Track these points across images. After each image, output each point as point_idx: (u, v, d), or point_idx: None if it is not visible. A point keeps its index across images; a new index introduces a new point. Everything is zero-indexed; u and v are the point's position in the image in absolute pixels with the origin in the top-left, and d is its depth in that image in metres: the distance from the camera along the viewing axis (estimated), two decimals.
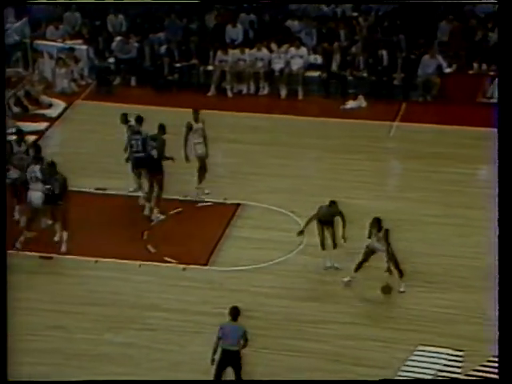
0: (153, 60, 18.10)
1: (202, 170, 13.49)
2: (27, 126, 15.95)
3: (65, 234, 12.12)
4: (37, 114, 16.54)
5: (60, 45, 18.21)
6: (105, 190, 13.87)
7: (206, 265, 12.10)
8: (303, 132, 16.12)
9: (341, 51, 17.75)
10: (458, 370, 10.14)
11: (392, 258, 11.37)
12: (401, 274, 11.43)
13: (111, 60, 18.16)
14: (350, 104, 17.19)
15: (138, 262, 12.04)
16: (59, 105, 16.95)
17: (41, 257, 12.04)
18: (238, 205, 13.54)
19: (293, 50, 17.87)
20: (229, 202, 13.59)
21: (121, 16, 18.78)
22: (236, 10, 18.75)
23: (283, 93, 17.66)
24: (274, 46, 18.03)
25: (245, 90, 17.76)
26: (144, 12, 18.86)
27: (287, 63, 17.80)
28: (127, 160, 13.28)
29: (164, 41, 18.27)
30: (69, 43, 18.34)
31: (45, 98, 17.07)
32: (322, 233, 11.89)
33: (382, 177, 14.75)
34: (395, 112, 16.68)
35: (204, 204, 13.39)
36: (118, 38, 18.24)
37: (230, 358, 9.52)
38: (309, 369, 10.16)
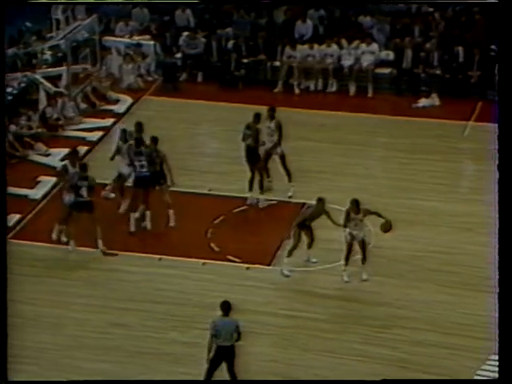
0: (220, 55, 18.19)
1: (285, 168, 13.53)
2: (94, 122, 16.34)
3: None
4: (104, 109, 16.83)
5: (128, 41, 18.49)
6: (169, 186, 14.00)
7: (269, 265, 12.09)
8: (372, 130, 15.94)
9: (413, 47, 17.49)
10: None
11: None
12: (364, 260, 11.35)
13: (178, 56, 18.34)
14: (423, 102, 16.91)
15: (202, 261, 12.11)
16: (126, 100, 17.19)
17: (105, 253, 12.23)
18: (304, 204, 13.48)
19: (363, 46, 17.69)
20: (294, 200, 13.54)
21: (188, 11, 18.95)
22: (306, 6, 18.69)
23: (352, 90, 17.50)
24: (344, 42, 17.91)
25: (312, 87, 17.68)
26: (212, 7, 18.98)
27: (357, 59, 17.63)
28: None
29: (231, 36, 18.35)
30: (136, 39, 18.61)
31: (112, 94, 17.35)
32: (299, 237, 11.70)
33: (454, 178, 14.46)
34: (470, 111, 16.32)
35: (268, 203, 13.37)
36: (186, 34, 18.41)
37: (224, 354, 9.48)
38: (375, 374, 10.04)
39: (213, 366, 9.57)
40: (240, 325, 9.51)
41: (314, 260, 11.93)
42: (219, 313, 11.00)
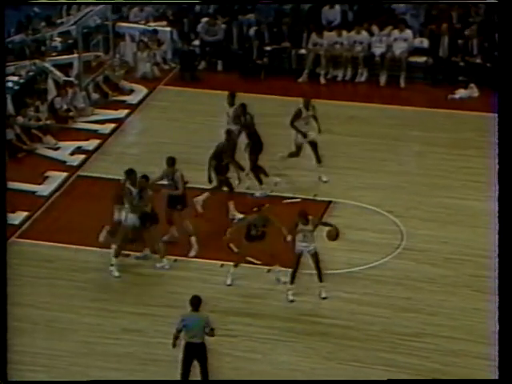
0: (241, 43, 18.26)
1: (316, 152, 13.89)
2: (107, 113, 16.47)
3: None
4: (117, 100, 16.96)
5: (143, 27, 18.61)
6: (186, 182, 14.08)
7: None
8: (405, 123, 15.92)
9: (450, 34, 17.42)
10: None
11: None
12: (320, 275, 11.25)
13: (196, 43, 18.44)
14: (460, 93, 16.85)
15: (220, 262, 12.19)
16: (140, 91, 17.31)
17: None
18: (330, 202, 13.51)
19: (396, 32, 17.67)
20: (319, 198, 13.58)
21: None
22: None
23: (383, 80, 17.49)
24: (375, 29, 17.89)
25: (340, 76, 17.70)
26: None
27: (389, 47, 17.62)
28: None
29: (254, 22, 18.41)
30: (152, 25, 18.73)
31: (125, 84, 17.47)
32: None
33: (494, 176, 14.37)
34: None
35: (292, 200, 13.42)
36: (205, 20, 18.49)
37: (194, 351, 9.57)
38: None
39: (185, 365, 9.67)
40: (210, 320, 9.63)
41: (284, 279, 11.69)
42: (237, 319, 11.14)
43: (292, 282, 11.37)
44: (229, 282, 11.76)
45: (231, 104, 13.95)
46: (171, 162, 12.28)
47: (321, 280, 11.34)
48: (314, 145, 13.89)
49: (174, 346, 9.64)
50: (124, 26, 18.51)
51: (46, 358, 10.52)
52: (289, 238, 11.31)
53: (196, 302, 9.69)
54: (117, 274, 11.89)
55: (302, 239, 11.19)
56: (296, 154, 13.95)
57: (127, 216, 11.87)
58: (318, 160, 13.94)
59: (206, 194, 13.09)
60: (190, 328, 9.57)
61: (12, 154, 14.84)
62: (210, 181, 12.99)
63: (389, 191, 13.62)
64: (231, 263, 11.90)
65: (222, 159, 12.94)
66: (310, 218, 11.23)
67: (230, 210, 13.02)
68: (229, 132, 13.34)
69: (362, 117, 16.10)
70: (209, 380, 9.78)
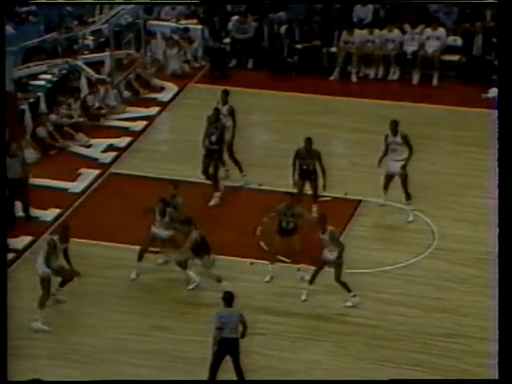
0: (271, 41, 18.28)
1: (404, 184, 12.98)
2: (138, 111, 16.58)
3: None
4: (148, 98, 17.07)
5: (174, 25, 18.72)
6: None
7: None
8: (437, 122, 15.84)
9: (484, 32, 17.28)
10: None
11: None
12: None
13: (227, 41, 18.50)
14: (493, 92, 16.71)
15: (250, 260, 12.22)
16: (171, 88, 17.41)
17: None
18: (360, 201, 13.48)
19: (429, 30, 17.60)
20: (350, 197, 13.55)
21: None
22: None
23: (415, 78, 17.42)
24: (407, 27, 17.82)
25: (372, 75, 17.65)
26: None
27: (422, 45, 17.54)
28: None
29: (284, 20, 18.42)
30: (183, 23, 18.82)
31: (156, 82, 17.58)
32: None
33: None
34: None
35: (323, 199, 13.41)
36: (235, 18, 18.54)
37: (228, 347, 9.63)
38: None
39: (217, 359, 9.73)
40: (243, 315, 9.70)
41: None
42: (268, 317, 11.15)
43: (311, 282, 11.35)
44: (267, 278, 11.77)
45: (224, 102, 13.93)
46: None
47: (349, 290, 11.27)
48: (402, 178, 12.90)
49: (215, 344, 9.67)
50: (155, 24, 18.63)
51: (78, 354, 10.61)
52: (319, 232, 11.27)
53: (229, 298, 9.78)
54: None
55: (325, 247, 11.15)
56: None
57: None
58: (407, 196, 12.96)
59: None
60: (227, 324, 9.65)
61: (44, 152, 15.02)
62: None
63: (419, 190, 13.54)
64: (261, 261, 11.92)
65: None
66: (328, 228, 11.10)
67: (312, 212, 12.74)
68: (223, 127, 13.42)
69: (394, 115, 15.96)
70: (210, 380, 9.81)
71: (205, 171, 13.45)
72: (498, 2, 8.37)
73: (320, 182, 12.73)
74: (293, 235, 11.68)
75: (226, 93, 14.11)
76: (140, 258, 11.93)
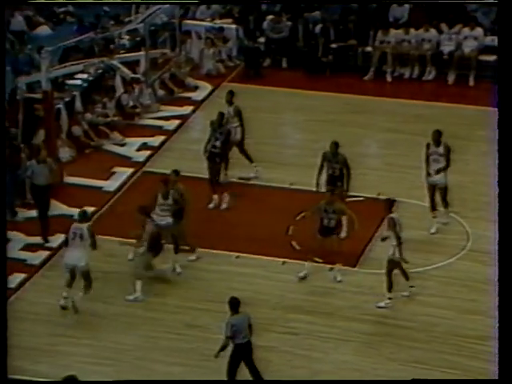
0: (306, 40, 18.27)
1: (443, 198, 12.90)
2: (172, 110, 16.68)
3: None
4: (182, 97, 17.15)
5: (209, 24, 18.77)
6: (248, 179, 14.18)
7: (355, 266, 12.12)
8: (473, 123, 15.70)
9: None
10: None
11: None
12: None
13: (261, 40, 18.51)
14: None
15: (282, 260, 12.24)
16: (205, 87, 17.47)
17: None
18: (394, 201, 13.41)
19: (466, 30, 17.44)
20: (383, 197, 13.49)
21: None
22: None
23: (451, 78, 17.28)
24: (444, 27, 17.69)
25: (407, 75, 17.55)
26: None
27: (458, 45, 17.40)
28: None
29: (319, 20, 18.38)
30: (218, 23, 18.88)
31: (191, 81, 17.66)
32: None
33: None
34: None
35: (355, 199, 13.38)
36: (270, 17, 18.56)
37: (244, 351, 9.63)
38: None
39: (233, 365, 9.75)
40: (251, 318, 9.70)
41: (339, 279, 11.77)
42: (299, 316, 11.15)
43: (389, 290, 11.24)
44: (302, 274, 11.77)
45: (230, 103, 13.92)
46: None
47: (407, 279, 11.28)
48: (442, 189, 12.74)
49: (223, 349, 9.72)
50: (190, 24, 18.71)
51: (112, 351, 10.72)
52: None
53: (236, 303, 9.79)
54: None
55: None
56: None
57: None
58: (445, 204, 12.79)
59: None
60: (239, 331, 9.67)
61: (80, 150, 15.17)
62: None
63: (453, 191, 13.44)
64: (293, 261, 11.93)
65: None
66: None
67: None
68: (229, 132, 13.42)
69: (429, 115, 15.92)
70: (210, 380, 9.89)
71: (211, 181, 13.31)
72: (498, 1, 8.29)
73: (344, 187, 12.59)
74: (334, 234, 11.64)
75: (231, 93, 14.12)
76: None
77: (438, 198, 12.84)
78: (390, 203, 11.32)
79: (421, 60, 17.46)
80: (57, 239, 12.76)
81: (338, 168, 12.55)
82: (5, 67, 9.73)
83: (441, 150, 12.62)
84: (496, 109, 16.74)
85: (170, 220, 11.96)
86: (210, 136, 13.44)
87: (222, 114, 13.52)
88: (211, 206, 13.39)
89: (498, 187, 7.91)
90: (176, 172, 12.37)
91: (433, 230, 12.76)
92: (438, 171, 12.57)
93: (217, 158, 13.41)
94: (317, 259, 12.09)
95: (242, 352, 9.74)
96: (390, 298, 11.20)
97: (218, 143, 13.34)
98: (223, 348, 9.72)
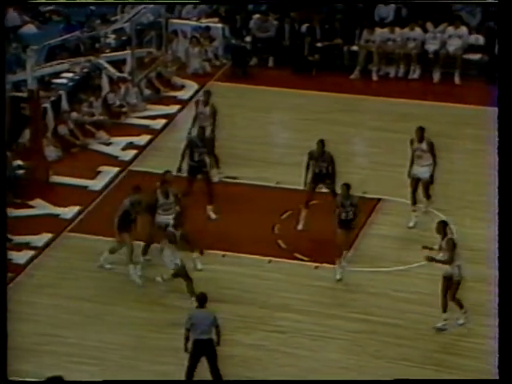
0: (293, 39, 18.26)
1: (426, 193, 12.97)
2: (158, 109, 16.63)
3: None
4: (168, 96, 17.11)
5: (195, 24, 18.74)
6: (235, 178, 14.15)
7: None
8: (459, 121, 15.75)
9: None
10: None
11: None
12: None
13: (248, 39, 18.49)
14: None
15: (268, 258, 12.23)
16: (192, 86, 17.44)
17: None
18: (379, 199, 13.43)
19: (451, 29, 17.49)
20: (369, 195, 13.51)
21: None
22: None
23: (437, 77, 17.32)
24: (429, 26, 17.73)
25: (393, 73, 17.58)
26: None
27: (443, 44, 17.44)
28: None
29: (306, 19, 18.37)
30: (204, 22, 18.84)
31: (177, 80, 17.62)
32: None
33: None
34: None
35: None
36: (257, 16, 18.53)
37: (202, 348, 9.61)
38: None
39: (192, 361, 9.75)
40: (217, 317, 9.71)
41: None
42: (287, 314, 11.15)
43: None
44: (338, 276, 11.68)
45: (206, 103, 13.89)
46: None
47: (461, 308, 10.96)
48: (425, 183, 12.82)
49: (187, 349, 9.73)
50: (177, 23, 18.67)
51: (98, 350, 10.67)
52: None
53: (202, 299, 9.83)
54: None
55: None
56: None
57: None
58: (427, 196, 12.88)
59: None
60: (199, 325, 9.68)
61: (65, 149, 15.10)
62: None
63: (440, 189, 13.47)
64: (279, 259, 11.91)
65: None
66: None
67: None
68: (203, 129, 13.30)
69: (415, 114, 15.95)
70: (210, 380, 9.81)
71: (186, 193, 12.80)
72: (498, 1, 8.32)
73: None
74: (352, 228, 11.61)
75: (208, 93, 14.08)
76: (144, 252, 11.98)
77: (420, 192, 12.83)
78: (444, 225, 10.91)
79: (406, 59, 17.49)
80: (43, 238, 12.70)
81: (324, 166, 12.54)
82: (5, 67, 9.67)
83: (424, 146, 12.69)
84: (484, 107, 17.07)
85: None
86: (191, 145, 13.04)
87: (202, 128, 13.33)
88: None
89: (497, 187, 7.89)
90: (170, 172, 12.24)
91: (411, 224, 12.79)
92: (431, 172, 12.63)
93: (198, 170, 13.05)
94: (301, 257, 12.08)
95: (200, 349, 9.71)
96: (465, 312, 10.90)
97: (197, 157, 13.02)
98: (186, 340, 9.73)
